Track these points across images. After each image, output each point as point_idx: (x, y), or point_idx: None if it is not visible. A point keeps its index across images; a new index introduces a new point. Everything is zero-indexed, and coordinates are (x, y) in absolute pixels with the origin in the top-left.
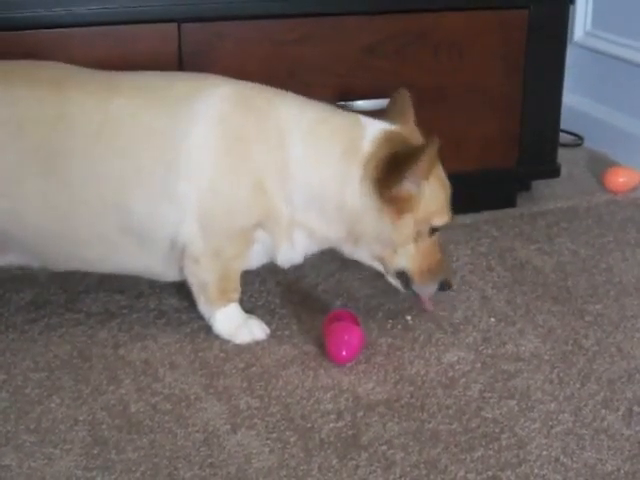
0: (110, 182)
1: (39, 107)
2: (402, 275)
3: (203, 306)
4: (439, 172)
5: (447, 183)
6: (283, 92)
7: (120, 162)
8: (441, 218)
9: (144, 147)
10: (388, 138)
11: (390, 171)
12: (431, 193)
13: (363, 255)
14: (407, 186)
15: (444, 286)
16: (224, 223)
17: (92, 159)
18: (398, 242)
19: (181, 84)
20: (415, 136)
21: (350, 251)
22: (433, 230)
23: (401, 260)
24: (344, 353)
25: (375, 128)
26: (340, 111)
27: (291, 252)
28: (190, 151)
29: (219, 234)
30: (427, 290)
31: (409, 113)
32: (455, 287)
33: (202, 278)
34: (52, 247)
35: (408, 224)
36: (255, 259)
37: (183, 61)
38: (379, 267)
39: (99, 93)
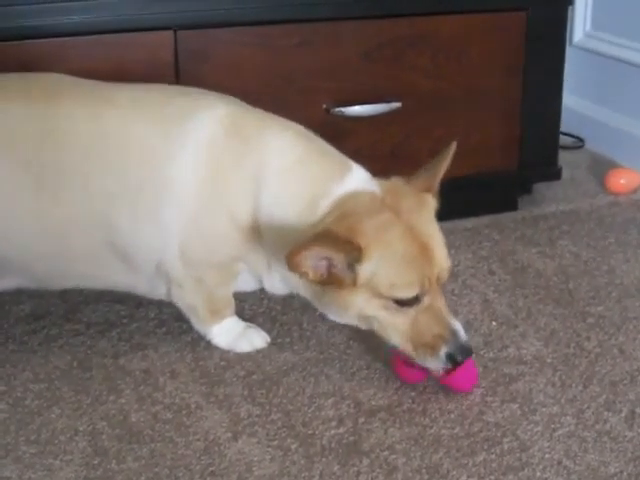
0: (99, 198)
1: (30, 121)
2: (396, 349)
3: (196, 326)
4: (396, 247)
5: (412, 254)
6: (282, 122)
7: (110, 178)
8: (401, 290)
9: (134, 164)
10: (343, 203)
11: (298, 261)
12: (377, 267)
13: (343, 321)
14: (335, 274)
15: (451, 360)
16: (202, 256)
17: (82, 174)
18: (353, 314)
19: (178, 102)
20: (395, 199)
21: (327, 314)
22: (404, 302)
23: (387, 334)
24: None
25: (345, 186)
26: (332, 154)
27: (275, 286)
28: (177, 177)
29: (198, 265)
30: (432, 366)
31: (437, 170)
32: (467, 349)
33: (189, 302)
34: (46, 265)
35: (352, 301)
36: (246, 285)
37: (180, 68)
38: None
39: (91, 105)
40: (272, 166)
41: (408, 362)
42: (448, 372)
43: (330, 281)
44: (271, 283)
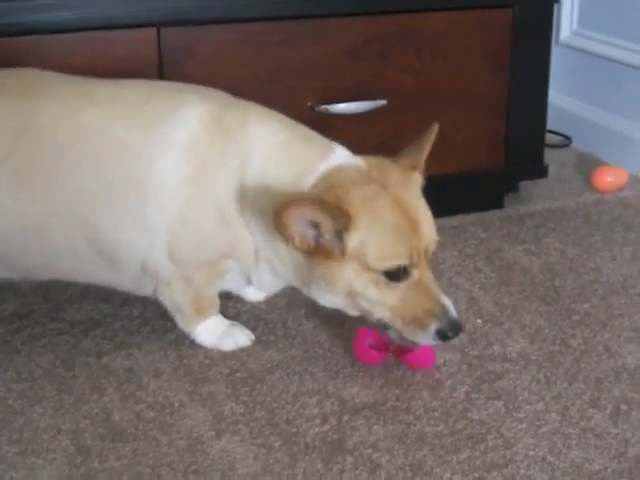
0: (79, 197)
1: (6, 116)
2: (382, 325)
3: (181, 324)
4: (384, 217)
5: (401, 225)
6: (264, 111)
7: (90, 176)
8: (388, 261)
9: (115, 163)
10: (329, 176)
11: (282, 216)
12: (364, 237)
13: (332, 303)
14: (294, 234)
15: (441, 336)
16: (191, 254)
17: (61, 171)
18: (341, 290)
19: (157, 100)
20: (381, 173)
21: (316, 298)
22: (393, 275)
23: (376, 310)
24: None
25: (329, 163)
26: (315, 138)
27: (263, 281)
28: (160, 176)
29: (187, 264)
30: (422, 341)
31: (422, 148)
32: (463, 328)
33: (175, 300)
34: (28, 260)
35: (341, 273)
36: (234, 284)
37: (163, 66)
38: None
39: (69, 101)
40: (255, 154)
41: (372, 344)
42: (405, 350)
43: (318, 251)
44: (259, 280)
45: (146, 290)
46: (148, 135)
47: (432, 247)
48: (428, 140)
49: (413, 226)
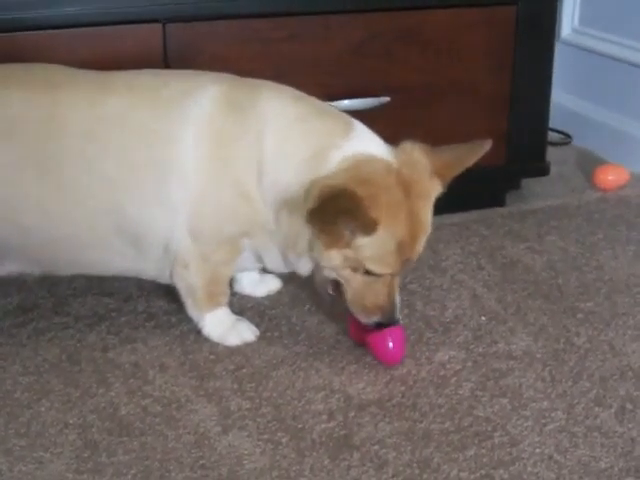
0: (104, 183)
1: (31, 108)
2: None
3: (191, 310)
4: (395, 230)
5: (404, 241)
6: (275, 86)
7: (113, 162)
8: (377, 266)
9: (137, 147)
10: (360, 163)
11: (325, 209)
12: (373, 242)
13: (306, 270)
14: (340, 231)
15: (376, 325)
16: (212, 230)
17: (85, 159)
18: (326, 266)
19: (174, 84)
20: (409, 176)
21: (295, 263)
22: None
23: (344, 288)
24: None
25: (357, 145)
26: (333, 113)
27: (274, 261)
28: (180, 154)
29: (207, 240)
30: (362, 320)
31: (462, 163)
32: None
33: (190, 282)
34: (52, 252)
35: (335, 257)
36: (247, 263)
37: (169, 62)
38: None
39: (91, 92)
40: (271, 127)
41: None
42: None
43: (330, 233)
44: (271, 259)
45: (167, 275)
46: (167, 116)
47: (415, 259)
48: (474, 156)
49: (412, 242)
